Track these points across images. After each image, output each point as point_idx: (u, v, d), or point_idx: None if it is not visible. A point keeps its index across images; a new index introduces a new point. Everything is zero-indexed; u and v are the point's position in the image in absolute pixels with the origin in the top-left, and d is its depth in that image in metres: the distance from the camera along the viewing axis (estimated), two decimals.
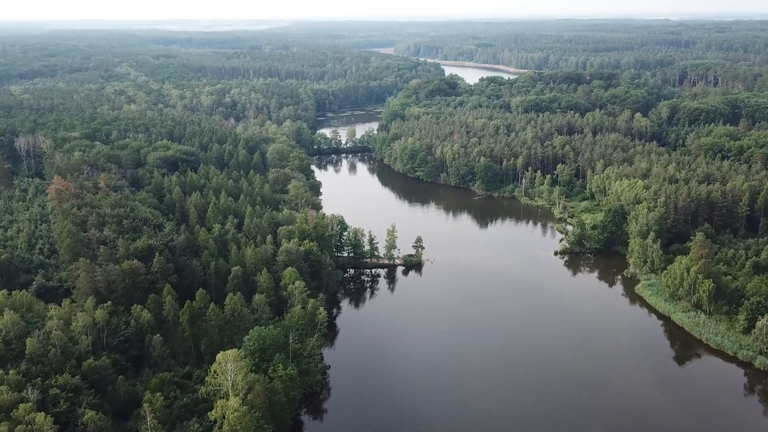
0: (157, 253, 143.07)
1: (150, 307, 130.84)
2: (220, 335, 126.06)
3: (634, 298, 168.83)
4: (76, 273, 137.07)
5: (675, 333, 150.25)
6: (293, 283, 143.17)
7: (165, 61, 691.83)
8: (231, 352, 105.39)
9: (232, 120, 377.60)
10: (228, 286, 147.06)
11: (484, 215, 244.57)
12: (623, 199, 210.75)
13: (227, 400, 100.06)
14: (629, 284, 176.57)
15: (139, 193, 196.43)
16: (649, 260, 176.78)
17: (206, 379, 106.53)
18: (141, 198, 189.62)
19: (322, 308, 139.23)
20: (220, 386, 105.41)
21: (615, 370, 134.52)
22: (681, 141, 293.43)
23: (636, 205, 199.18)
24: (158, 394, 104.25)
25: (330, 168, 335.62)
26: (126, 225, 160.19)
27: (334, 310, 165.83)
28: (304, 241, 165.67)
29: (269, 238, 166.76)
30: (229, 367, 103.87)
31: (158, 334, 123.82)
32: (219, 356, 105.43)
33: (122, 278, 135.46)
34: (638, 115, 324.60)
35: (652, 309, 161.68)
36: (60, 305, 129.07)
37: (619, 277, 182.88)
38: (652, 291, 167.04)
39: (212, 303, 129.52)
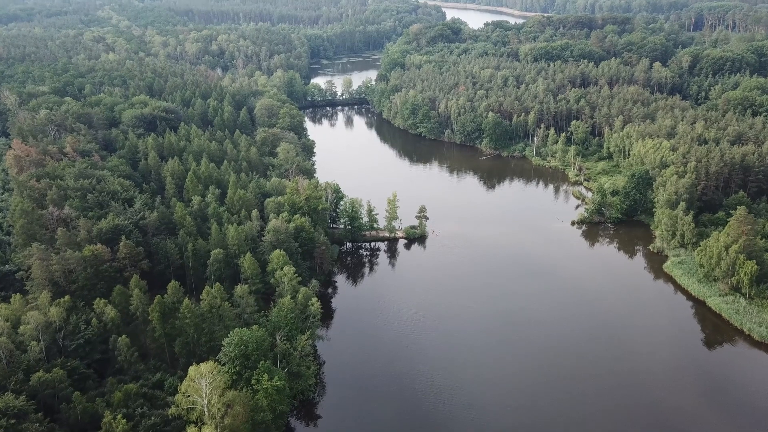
0: (123, 237, 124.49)
1: (115, 302, 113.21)
2: (196, 334, 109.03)
3: (663, 277, 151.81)
4: (29, 261, 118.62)
5: (711, 321, 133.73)
6: (281, 269, 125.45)
7: (150, 4, 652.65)
8: (205, 366, 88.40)
9: (219, 70, 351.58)
10: (208, 271, 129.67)
11: (492, 177, 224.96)
12: (647, 162, 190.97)
13: (200, 429, 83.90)
14: (656, 260, 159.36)
15: (110, 159, 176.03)
16: (678, 233, 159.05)
17: (176, 398, 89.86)
18: (112, 165, 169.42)
19: (314, 298, 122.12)
20: (193, 405, 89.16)
21: (642, 362, 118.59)
22: (704, 93, 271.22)
23: (663, 170, 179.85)
24: (119, 415, 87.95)
25: (325, 122, 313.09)
26: (91, 200, 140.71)
27: (329, 290, 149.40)
28: (295, 216, 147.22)
29: (255, 212, 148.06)
30: (203, 383, 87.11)
31: (124, 335, 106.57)
32: (191, 371, 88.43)
33: (83, 267, 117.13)
34: (657, 64, 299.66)
35: (683, 291, 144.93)
36: (13, 298, 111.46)
37: (645, 251, 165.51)
38: (683, 270, 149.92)
39: (186, 297, 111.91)
